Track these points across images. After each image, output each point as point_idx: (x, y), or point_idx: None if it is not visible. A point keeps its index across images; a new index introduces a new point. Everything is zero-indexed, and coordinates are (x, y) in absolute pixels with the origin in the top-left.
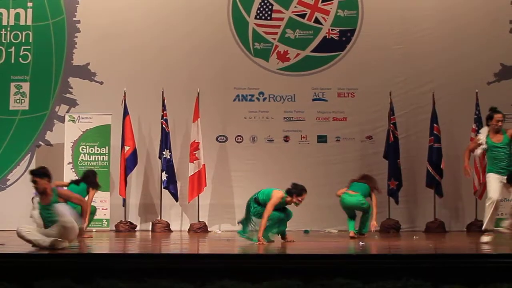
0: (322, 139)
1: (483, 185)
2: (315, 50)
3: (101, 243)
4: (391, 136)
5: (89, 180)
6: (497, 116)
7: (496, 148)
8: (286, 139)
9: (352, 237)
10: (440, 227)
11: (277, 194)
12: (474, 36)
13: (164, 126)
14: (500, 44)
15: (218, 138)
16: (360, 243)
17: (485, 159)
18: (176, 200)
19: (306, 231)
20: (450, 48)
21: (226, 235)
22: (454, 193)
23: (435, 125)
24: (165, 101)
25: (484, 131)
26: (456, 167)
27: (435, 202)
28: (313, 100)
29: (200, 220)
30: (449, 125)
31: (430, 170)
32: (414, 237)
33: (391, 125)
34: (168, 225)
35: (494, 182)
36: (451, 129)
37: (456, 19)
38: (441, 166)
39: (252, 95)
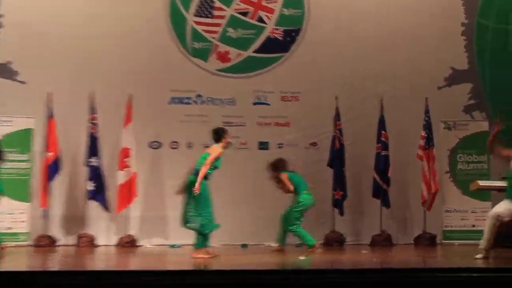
0: (263, 145)
1: (432, 195)
2: (257, 50)
3: (13, 260)
4: (337, 142)
5: None
6: None
7: None
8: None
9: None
10: (387, 240)
11: (216, 149)
12: (424, 39)
13: (92, 130)
14: (451, 47)
15: (152, 144)
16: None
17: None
18: (105, 211)
19: (244, 245)
20: (399, 51)
21: (157, 250)
22: (402, 203)
23: (382, 131)
24: (95, 104)
25: None
26: (404, 176)
27: (382, 213)
28: (255, 104)
29: (129, 233)
30: (398, 131)
31: (377, 179)
32: (362, 251)
33: (337, 131)
34: (94, 239)
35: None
36: (399, 136)
37: (407, 21)
38: (388, 174)
39: (189, 98)
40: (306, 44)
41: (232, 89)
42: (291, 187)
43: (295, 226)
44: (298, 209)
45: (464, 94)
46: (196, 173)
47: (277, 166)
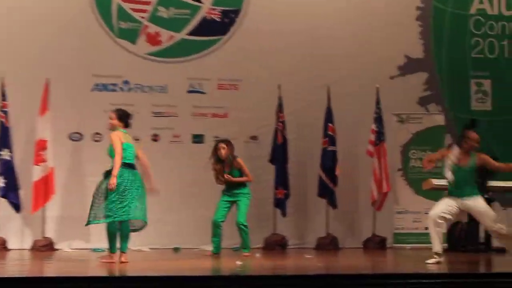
0: (198, 138)
1: (383, 195)
2: (192, 32)
3: None
4: (279, 136)
5: None
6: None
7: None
8: (155, 138)
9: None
10: (333, 243)
11: (115, 133)
12: (377, 24)
13: (2, 119)
14: (405, 33)
15: (72, 136)
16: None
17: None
18: (17, 211)
19: (176, 249)
20: (350, 38)
21: (77, 254)
22: (350, 204)
23: (329, 124)
24: (6, 90)
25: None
26: (352, 173)
27: (328, 214)
28: (189, 92)
29: (45, 236)
30: (346, 125)
31: (323, 177)
32: (306, 255)
33: (280, 123)
34: (4, 242)
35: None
36: (348, 130)
37: (359, 5)
38: (336, 173)
39: (115, 84)
40: (246, 27)
41: (163, 75)
42: (250, 176)
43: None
44: (248, 203)
45: (419, 84)
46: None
47: (233, 147)
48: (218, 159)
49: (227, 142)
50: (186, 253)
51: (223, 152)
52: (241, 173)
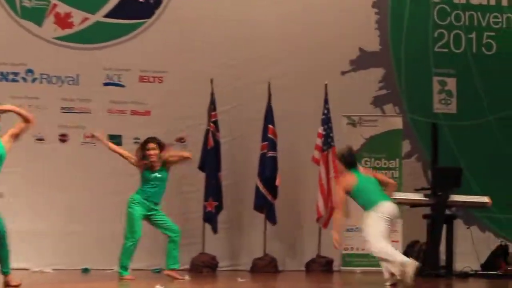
0: (115, 140)
1: (330, 210)
2: (110, 14)
3: None
4: (211, 139)
5: None
6: None
7: None
8: (63, 138)
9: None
10: (271, 265)
11: None
12: (327, 11)
13: None
14: (359, 22)
15: None
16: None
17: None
18: None
19: (85, 270)
20: (295, 24)
21: None
22: (292, 219)
23: (270, 126)
24: None
25: None
26: (295, 184)
27: (266, 231)
28: (105, 84)
29: None
30: (290, 127)
31: (261, 188)
32: (239, 279)
33: (211, 124)
34: None
35: None
36: (291, 133)
37: None
38: (276, 183)
39: (16, 74)
40: (174, 10)
41: (74, 64)
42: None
43: None
44: None
45: (374, 82)
46: None
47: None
48: (144, 158)
49: (156, 141)
50: (97, 275)
51: (153, 154)
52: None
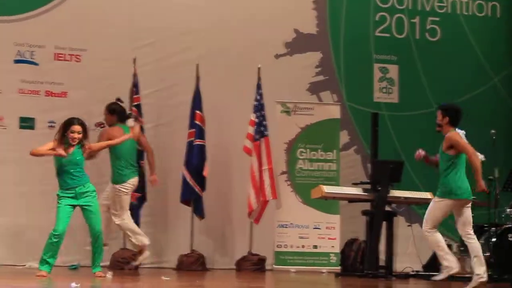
0: (27, 123)
1: (262, 204)
2: None
3: None
4: None
5: None
6: None
7: None
8: None
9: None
10: (199, 262)
11: None
12: None
13: None
14: (295, 2)
15: None
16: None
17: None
18: None
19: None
20: (228, 3)
21: None
22: (221, 213)
23: (197, 111)
24: None
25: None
26: (225, 176)
27: (193, 226)
28: (16, 62)
29: None
30: (219, 113)
31: (188, 178)
32: (163, 277)
33: (133, 108)
34: None
35: None
36: (221, 120)
37: None
38: (204, 173)
39: None
40: None
41: None
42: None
43: None
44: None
45: (310, 67)
46: None
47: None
48: (66, 143)
49: (82, 124)
50: (6, 272)
51: (77, 137)
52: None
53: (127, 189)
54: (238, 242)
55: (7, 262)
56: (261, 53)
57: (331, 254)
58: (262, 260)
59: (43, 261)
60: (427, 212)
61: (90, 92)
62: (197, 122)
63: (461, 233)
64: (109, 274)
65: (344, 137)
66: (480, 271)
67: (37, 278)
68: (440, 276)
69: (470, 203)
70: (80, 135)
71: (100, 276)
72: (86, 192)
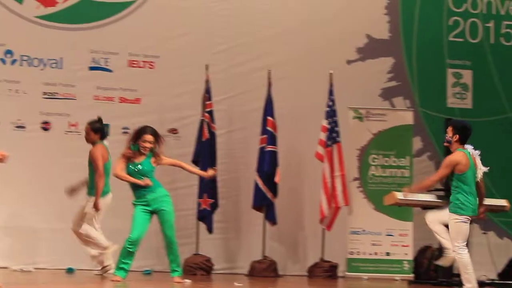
0: None
1: (335, 210)
2: None
3: None
4: (206, 131)
5: None
6: None
7: None
8: (46, 126)
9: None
10: (271, 269)
11: None
12: None
13: None
14: (367, 6)
15: None
16: None
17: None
18: None
19: (69, 270)
20: (297, 8)
21: None
22: (293, 220)
23: (269, 118)
24: None
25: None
26: (297, 182)
27: (265, 232)
28: (91, 69)
29: None
30: (291, 119)
31: (260, 185)
32: (236, 283)
33: (206, 114)
34: None
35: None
36: (292, 126)
37: None
38: (275, 179)
39: None
40: None
41: (58, 45)
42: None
43: None
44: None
45: (383, 72)
46: None
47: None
48: (136, 150)
49: (155, 134)
50: (82, 276)
51: (148, 147)
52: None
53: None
54: (310, 249)
55: (82, 267)
56: (333, 58)
57: (404, 262)
58: (334, 267)
59: (118, 267)
60: (438, 210)
61: (163, 98)
62: (269, 128)
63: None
64: (187, 281)
65: (417, 143)
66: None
67: (113, 283)
68: None
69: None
70: (151, 145)
71: (178, 282)
72: (158, 197)
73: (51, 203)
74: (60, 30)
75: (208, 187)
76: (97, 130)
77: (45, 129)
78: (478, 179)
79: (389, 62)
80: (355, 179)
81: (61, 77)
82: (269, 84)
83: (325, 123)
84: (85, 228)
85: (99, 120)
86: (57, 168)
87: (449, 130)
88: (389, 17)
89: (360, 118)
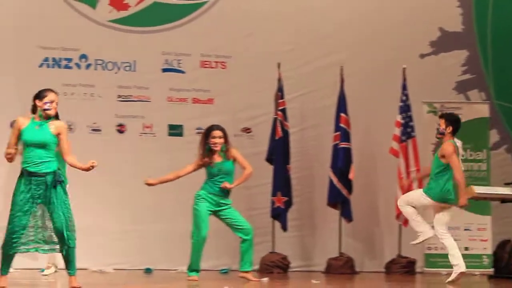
0: (175, 130)
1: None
2: None
3: None
4: (279, 129)
5: None
6: None
7: None
8: (121, 129)
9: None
10: (348, 266)
11: None
12: None
13: None
14: (440, 0)
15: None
16: None
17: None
18: None
19: (147, 270)
20: (369, 4)
21: (21, 275)
22: (369, 216)
23: (342, 114)
24: None
25: None
26: (372, 178)
27: (341, 229)
28: (164, 70)
29: None
30: (365, 115)
31: (334, 181)
32: (313, 281)
33: (279, 112)
34: None
35: None
36: (366, 122)
37: None
38: (350, 176)
39: (69, 60)
40: None
41: (131, 48)
42: (250, 167)
43: None
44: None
45: (457, 65)
46: None
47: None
48: (208, 150)
49: (222, 130)
50: (160, 276)
51: (219, 142)
52: (233, 167)
53: None
54: (386, 245)
55: (162, 267)
56: (405, 53)
57: (483, 256)
58: (412, 263)
59: (190, 267)
60: (409, 192)
61: (236, 98)
62: (342, 125)
63: (436, 230)
64: (264, 279)
65: (493, 136)
66: (457, 262)
67: (189, 283)
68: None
69: (452, 207)
70: (222, 140)
71: (244, 277)
72: (226, 203)
73: (128, 205)
74: (132, 34)
75: (281, 185)
76: None
77: (120, 131)
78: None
79: (463, 55)
80: None
81: (135, 80)
82: (342, 81)
83: (399, 118)
84: None
85: None
86: (132, 170)
87: (442, 122)
88: (462, 9)
89: (434, 112)
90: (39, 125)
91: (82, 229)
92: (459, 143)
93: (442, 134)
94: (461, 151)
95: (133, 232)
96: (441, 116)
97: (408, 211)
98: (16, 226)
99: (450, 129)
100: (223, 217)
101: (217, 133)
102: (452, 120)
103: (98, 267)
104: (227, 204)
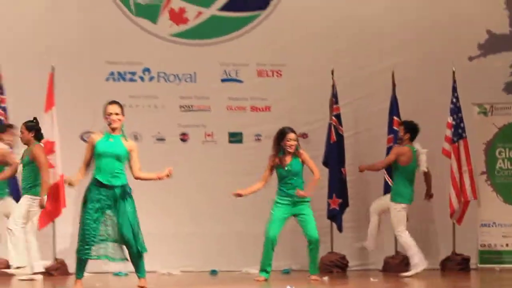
0: (235, 137)
1: (464, 204)
2: (225, 7)
3: None
4: (333, 133)
5: None
6: None
7: None
8: (184, 137)
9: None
10: (403, 263)
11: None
12: None
13: (1, 117)
14: (487, 2)
15: (84, 136)
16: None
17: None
18: None
19: (213, 272)
20: (418, 8)
21: (95, 278)
22: (424, 215)
23: (395, 117)
24: (3, 83)
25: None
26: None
27: None
28: (223, 80)
29: (56, 257)
30: (416, 118)
31: (389, 183)
32: (371, 279)
33: (334, 118)
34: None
35: None
36: (418, 124)
37: None
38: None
39: (133, 73)
40: (291, 0)
41: (191, 60)
42: (318, 172)
43: None
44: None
45: (505, 67)
46: None
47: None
48: (280, 151)
49: (295, 132)
50: (226, 277)
51: (293, 144)
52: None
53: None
54: (441, 243)
55: (225, 268)
56: (454, 55)
57: None
58: (466, 260)
59: (261, 267)
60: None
61: (292, 104)
62: (395, 127)
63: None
64: (325, 278)
65: None
66: (415, 260)
67: (256, 283)
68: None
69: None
70: (296, 142)
71: (315, 280)
72: (302, 201)
73: (191, 209)
74: (192, 46)
75: (336, 188)
76: (31, 128)
77: (183, 140)
78: (424, 170)
79: (511, 56)
80: (483, 173)
81: (195, 91)
82: (393, 85)
83: (450, 120)
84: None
85: (34, 119)
86: (196, 176)
87: (401, 129)
88: (509, 12)
89: (484, 113)
90: (113, 138)
91: (149, 233)
92: (420, 149)
93: (401, 139)
94: (423, 157)
95: (198, 235)
96: (400, 124)
97: (372, 220)
98: (87, 233)
99: (407, 135)
100: (298, 222)
101: (292, 135)
102: (410, 128)
103: (166, 270)
104: (304, 202)
